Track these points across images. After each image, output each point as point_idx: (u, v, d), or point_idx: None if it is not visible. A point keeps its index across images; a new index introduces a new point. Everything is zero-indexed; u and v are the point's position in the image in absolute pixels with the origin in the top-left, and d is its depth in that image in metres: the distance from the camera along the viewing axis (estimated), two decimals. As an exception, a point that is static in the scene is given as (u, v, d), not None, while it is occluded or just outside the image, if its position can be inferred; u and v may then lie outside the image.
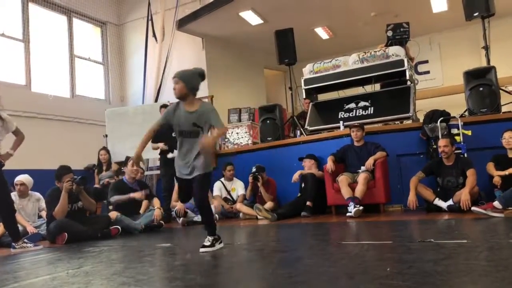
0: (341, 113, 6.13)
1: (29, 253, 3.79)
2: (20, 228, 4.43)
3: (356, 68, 6.21)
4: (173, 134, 3.35)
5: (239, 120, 7.61)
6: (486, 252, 2.35)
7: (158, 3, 8.84)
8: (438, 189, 4.70)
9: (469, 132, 5.00)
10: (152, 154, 6.98)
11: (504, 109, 5.37)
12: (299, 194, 5.61)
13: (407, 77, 5.89)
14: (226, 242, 3.18)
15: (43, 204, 5.17)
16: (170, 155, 5.71)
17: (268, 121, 6.78)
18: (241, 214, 5.73)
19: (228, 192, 6.18)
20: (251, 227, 4.80)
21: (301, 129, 6.73)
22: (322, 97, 6.93)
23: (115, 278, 2.34)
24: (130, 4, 9.33)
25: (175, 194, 5.76)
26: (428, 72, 9.60)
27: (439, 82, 9.40)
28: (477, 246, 2.52)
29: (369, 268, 2.14)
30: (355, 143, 5.37)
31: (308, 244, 3.25)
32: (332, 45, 9.28)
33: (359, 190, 4.75)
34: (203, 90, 8.14)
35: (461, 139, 4.95)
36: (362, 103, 6.09)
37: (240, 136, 7.38)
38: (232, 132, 7.43)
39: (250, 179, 5.84)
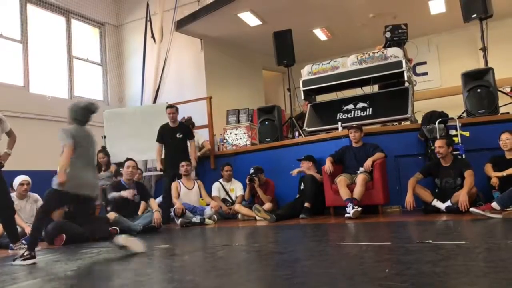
0: (340, 114, 6.14)
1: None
2: (19, 229, 4.41)
3: (354, 69, 6.23)
4: None
5: (238, 121, 7.60)
6: (485, 253, 2.35)
7: (156, 4, 8.84)
8: (436, 190, 4.70)
9: (467, 133, 5.01)
10: (150, 155, 6.98)
11: (502, 110, 5.38)
12: (297, 196, 5.61)
13: (405, 79, 5.90)
14: (224, 243, 3.17)
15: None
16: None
17: (266, 122, 6.78)
18: (239, 215, 5.73)
19: (227, 193, 6.18)
20: (249, 228, 4.80)
21: (300, 130, 6.73)
22: (320, 98, 6.93)
23: (113, 279, 2.34)
24: (129, 5, 9.33)
25: (174, 192, 5.76)
26: (426, 73, 9.61)
27: (437, 83, 9.41)
28: (476, 247, 2.53)
29: (368, 269, 2.14)
30: (354, 144, 5.37)
31: (306, 245, 3.25)
32: (331, 47, 9.28)
33: (358, 191, 4.75)
34: (201, 92, 8.22)
35: (459, 140, 4.96)
36: (360, 104, 6.10)
37: (238, 137, 7.38)
38: (230, 133, 7.43)
39: (247, 180, 5.84)
